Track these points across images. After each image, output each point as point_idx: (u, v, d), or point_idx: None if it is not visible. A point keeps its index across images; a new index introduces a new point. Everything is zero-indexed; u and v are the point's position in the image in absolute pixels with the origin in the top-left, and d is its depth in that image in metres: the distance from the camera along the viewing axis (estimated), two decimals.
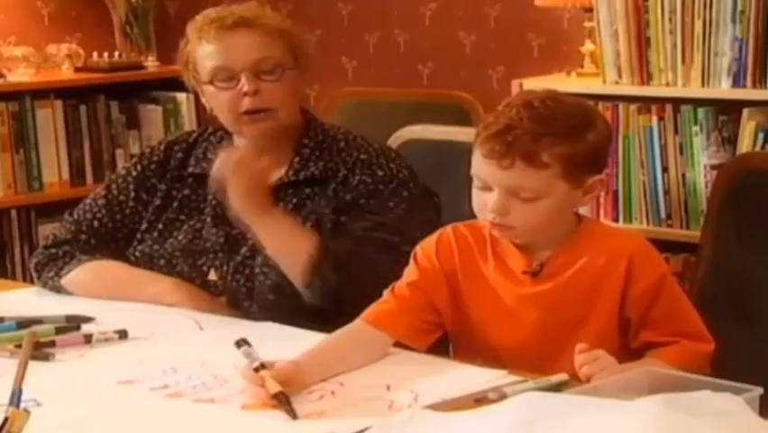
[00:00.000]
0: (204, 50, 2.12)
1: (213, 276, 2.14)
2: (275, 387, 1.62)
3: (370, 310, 1.86)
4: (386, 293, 1.89)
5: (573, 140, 1.77)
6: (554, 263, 1.82)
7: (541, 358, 1.78)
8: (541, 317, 1.82)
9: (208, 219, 2.16)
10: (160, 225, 2.21)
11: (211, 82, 2.11)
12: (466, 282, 1.86)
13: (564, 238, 1.83)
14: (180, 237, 2.17)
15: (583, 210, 1.95)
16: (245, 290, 2.09)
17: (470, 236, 1.88)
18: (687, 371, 1.63)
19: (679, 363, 1.71)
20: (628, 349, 1.81)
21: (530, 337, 1.82)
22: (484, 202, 1.80)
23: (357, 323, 1.84)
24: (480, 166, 1.79)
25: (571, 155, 1.76)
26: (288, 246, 2.02)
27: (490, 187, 1.78)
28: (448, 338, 1.93)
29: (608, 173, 1.89)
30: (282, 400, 1.60)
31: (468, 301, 1.86)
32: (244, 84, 2.08)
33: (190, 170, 2.21)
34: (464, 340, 1.89)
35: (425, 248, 1.90)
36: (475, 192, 1.82)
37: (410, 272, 1.89)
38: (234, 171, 2.01)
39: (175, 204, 2.21)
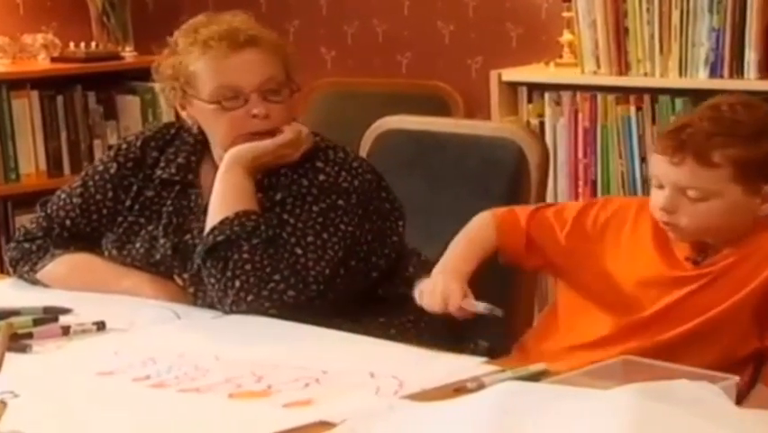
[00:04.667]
0: (207, 67, 2.06)
1: (179, 282, 2.13)
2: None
3: (507, 209, 2.00)
4: (531, 208, 2.00)
5: (750, 144, 1.77)
6: (718, 255, 1.83)
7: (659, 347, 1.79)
8: (685, 310, 1.82)
9: (160, 228, 2.15)
10: (120, 230, 2.18)
11: (217, 102, 2.06)
12: (622, 252, 1.89)
13: (739, 239, 1.83)
14: (138, 245, 2.15)
15: None
16: (203, 294, 2.08)
17: (651, 217, 1.88)
18: None
19: None
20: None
21: (665, 328, 1.82)
22: (656, 200, 1.83)
23: (486, 213, 2.00)
24: (654, 162, 1.84)
25: (744, 158, 1.76)
26: (217, 203, 2.04)
27: (663, 185, 1.81)
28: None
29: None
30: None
31: (611, 268, 1.89)
32: (254, 106, 2.05)
33: (158, 172, 2.17)
34: (578, 303, 1.92)
35: (595, 211, 1.93)
36: (652, 191, 1.85)
37: (569, 213, 1.95)
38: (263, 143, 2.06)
39: (137, 206, 2.18)
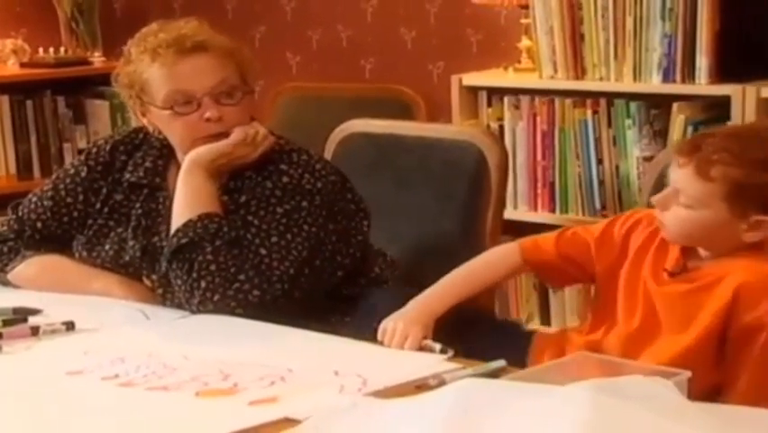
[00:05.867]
0: (158, 73, 2.06)
1: (147, 283, 2.12)
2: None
3: (530, 239, 1.99)
4: (558, 232, 1.98)
5: (751, 169, 1.72)
6: (698, 271, 1.81)
7: (634, 350, 1.79)
8: (655, 313, 1.81)
9: (129, 230, 2.14)
10: (90, 232, 2.17)
11: (170, 107, 2.06)
12: (633, 259, 1.88)
13: (722, 254, 1.80)
14: (107, 247, 2.15)
15: None
16: (171, 295, 2.07)
17: (652, 227, 1.89)
18: None
19: None
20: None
21: (640, 331, 1.82)
22: None
23: (512, 244, 1.99)
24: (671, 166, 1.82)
25: (739, 181, 1.73)
26: (180, 206, 2.04)
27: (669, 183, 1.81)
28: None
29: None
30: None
31: (619, 279, 1.89)
32: (207, 110, 2.04)
33: (127, 176, 2.17)
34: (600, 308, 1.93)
35: (621, 221, 1.93)
36: None
37: (594, 230, 1.95)
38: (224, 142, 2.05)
39: (106, 209, 2.18)
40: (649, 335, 1.82)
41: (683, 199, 1.77)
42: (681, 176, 1.77)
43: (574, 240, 1.96)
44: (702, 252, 1.83)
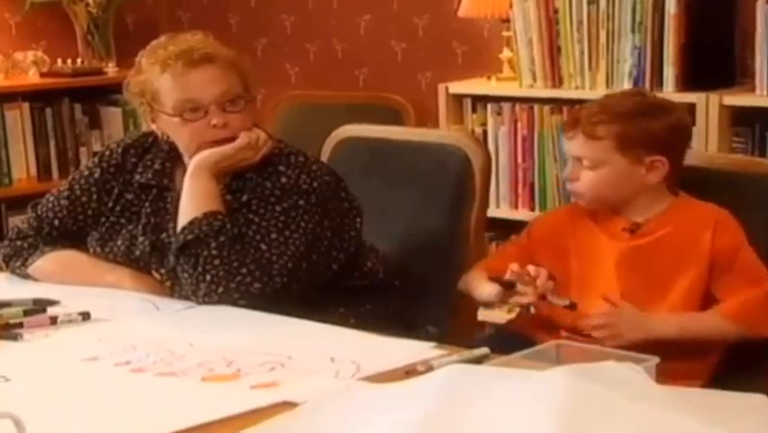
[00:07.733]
0: (168, 83, 2.05)
1: (156, 276, 2.11)
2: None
3: (488, 260, 2.15)
4: (502, 247, 2.09)
5: (628, 122, 1.93)
6: (650, 224, 1.96)
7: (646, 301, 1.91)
8: (636, 270, 1.93)
9: (140, 227, 2.13)
10: (103, 229, 2.16)
11: (180, 114, 2.05)
12: (576, 242, 2.01)
13: (661, 209, 1.97)
14: (119, 243, 2.14)
15: None
16: (178, 288, 2.06)
17: (585, 211, 2.03)
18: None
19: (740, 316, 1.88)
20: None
21: (625, 289, 1.92)
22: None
23: (478, 273, 2.06)
24: (564, 144, 2.01)
25: (623, 133, 1.92)
26: (186, 205, 2.02)
27: (568, 160, 1.99)
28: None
29: (659, 163, 1.97)
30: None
31: (575, 259, 1.99)
32: (213, 117, 2.03)
33: (137, 177, 2.16)
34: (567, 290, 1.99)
35: (541, 220, 2.15)
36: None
37: (523, 236, 2.10)
38: (229, 146, 2.04)
39: (118, 207, 2.17)
40: (645, 284, 1.92)
41: (586, 163, 1.94)
42: (575, 145, 1.96)
43: (519, 253, 2.06)
44: (637, 215, 1.96)
